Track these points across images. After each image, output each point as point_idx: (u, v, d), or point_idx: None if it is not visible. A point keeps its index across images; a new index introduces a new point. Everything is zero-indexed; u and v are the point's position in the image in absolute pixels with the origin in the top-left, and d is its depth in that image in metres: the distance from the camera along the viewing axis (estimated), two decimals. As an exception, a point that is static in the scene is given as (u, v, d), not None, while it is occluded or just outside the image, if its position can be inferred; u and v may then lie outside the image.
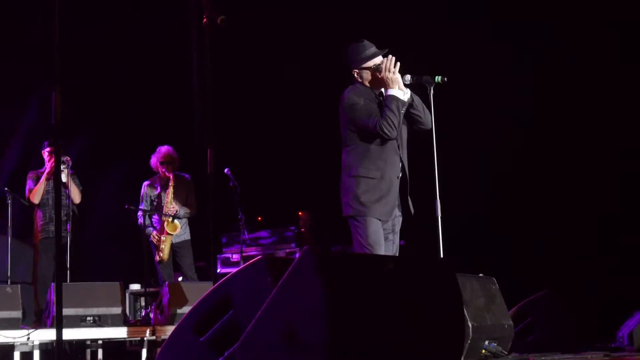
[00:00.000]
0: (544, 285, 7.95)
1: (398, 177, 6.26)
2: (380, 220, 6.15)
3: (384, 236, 6.18)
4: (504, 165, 10.94)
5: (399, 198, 6.27)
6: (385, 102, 6.13)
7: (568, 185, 10.63)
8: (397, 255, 6.32)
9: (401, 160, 6.29)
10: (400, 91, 6.18)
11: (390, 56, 6.21)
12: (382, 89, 6.25)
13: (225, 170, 10.47)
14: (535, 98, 10.79)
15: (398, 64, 6.18)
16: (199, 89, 11.62)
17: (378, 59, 6.27)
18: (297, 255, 3.87)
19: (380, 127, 6.05)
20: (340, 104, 6.30)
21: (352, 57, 6.34)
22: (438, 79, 6.32)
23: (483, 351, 5.92)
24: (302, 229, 12.17)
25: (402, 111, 6.16)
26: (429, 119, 6.34)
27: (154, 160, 10.00)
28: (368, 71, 6.28)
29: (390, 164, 6.23)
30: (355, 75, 6.32)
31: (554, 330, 7.55)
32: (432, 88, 6.32)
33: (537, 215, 10.77)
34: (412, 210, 6.35)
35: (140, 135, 11.44)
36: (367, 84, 6.30)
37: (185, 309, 8.04)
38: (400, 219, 6.35)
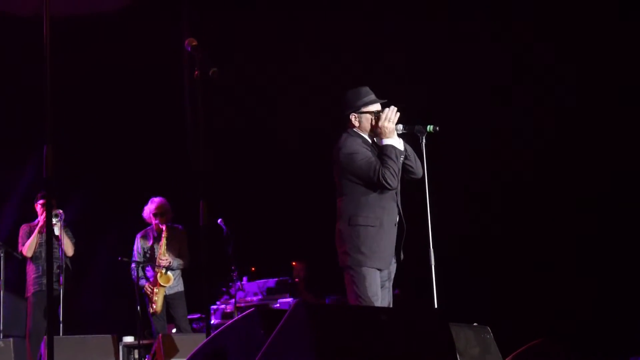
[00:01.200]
0: (540, 334, 7.91)
1: (395, 225, 6.25)
2: (378, 269, 6.13)
3: (380, 284, 6.15)
4: (501, 211, 10.95)
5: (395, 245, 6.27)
6: (385, 152, 6.13)
7: (567, 233, 10.61)
8: (392, 302, 6.29)
9: (398, 207, 6.29)
10: (396, 140, 6.20)
11: (392, 107, 6.23)
12: (375, 138, 6.26)
13: (218, 220, 10.45)
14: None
15: (398, 114, 6.20)
16: (192, 141, 11.66)
17: (377, 106, 6.29)
18: (291, 306, 3.85)
19: (383, 177, 6.05)
20: (336, 151, 6.29)
21: (351, 101, 6.34)
22: (430, 128, 6.34)
23: (479, 401, 5.89)
24: (296, 279, 12.12)
25: (401, 160, 6.19)
26: (419, 168, 6.35)
27: (146, 212, 9.99)
28: (367, 116, 6.29)
29: (388, 212, 6.22)
30: (353, 119, 6.31)
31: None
32: (424, 137, 6.34)
33: (533, 261, 10.74)
34: (402, 257, 6.32)
35: (133, 187, 11.43)
36: (362, 131, 6.31)
37: (179, 362, 7.99)
38: (396, 266, 6.33)
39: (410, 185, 6.43)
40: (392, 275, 6.31)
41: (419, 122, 6.39)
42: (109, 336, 8.52)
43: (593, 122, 10.39)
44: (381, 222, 6.16)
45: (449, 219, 9.19)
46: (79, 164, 11.23)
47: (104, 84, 11.55)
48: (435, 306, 6.10)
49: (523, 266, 10.72)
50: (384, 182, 6.06)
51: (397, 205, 6.28)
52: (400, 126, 6.27)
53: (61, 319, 9.29)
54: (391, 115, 6.18)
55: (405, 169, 6.33)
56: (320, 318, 3.59)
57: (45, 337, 8.38)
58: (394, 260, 6.28)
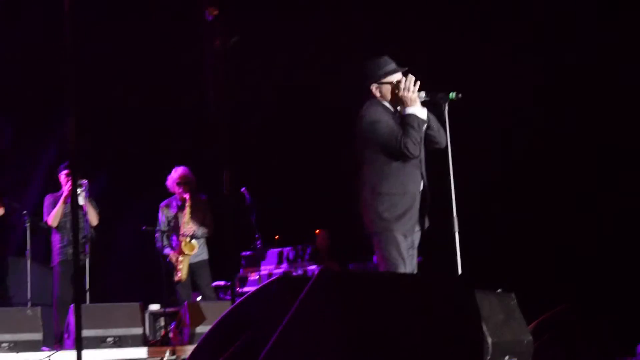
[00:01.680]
0: (563, 300, 7.91)
1: (419, 193, 6.26)
2: (403, 236, 6.15)
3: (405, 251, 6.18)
4: (524, 178, 10.92)
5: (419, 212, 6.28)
6: (407, 121, 6.12)
7: (594, 198, 10.57)
8: (416, 271, 6.32)
9: (422, 175, 6.29)
10: (419, 109, 6.19)
11: (410, 75, 6.21)
12: (399, 107, 6.25)
13: (242, 189, 10.48)
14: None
15: (418, 83, 6.18)
16: (215, 109, 11.65)
17: (398, 76, 6.27)
18: (314, 274, 3.87)
19: (405, 146, 6.05)
20: (358, 120, 6.29)
21: (371, 71, 6.32)
22: (452, 95, 6.31)
23: (503, 367, 5.90)
24: (320, 247, 12.15)
25: (423, 129, 6.18)
26: (443, 138, 6.34)
27: (170, 181, 10.03)
28: (388, 86, 6.27)
29: (412, 180, 6.23)
30: (374, 90, 6.31)
31: (574, 345, 7.51)
32: (446, 105, 6.32)
33: (557, 229, 10.72)
34: (427, 225, 6.34)
35: (157, 157, 11.47)
36: (385, 100, 6.30)
37: (204, 329, 8.05)
38: (420, 234, 6.34)
39: (434, 153, 6.42)
40: (416, 243, 6.33)
41: (442, 89, 6.37)
42: (135, 304, 8.60)
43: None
44: (405, 190, 6.17)
45: (473, 187, 9.18)
46: (104, 135, 11.28)
47: (127, 55, 11.56)
48: (459, 273, 6.11)
49: (548, 232, 10.70)
50: (405, 150, 6.06)
51: (422, 174, 6.29)
52: (423, 94, 6.25)
53: (87, 288, 9.37)
54: (410, 84, 6.17)
55: (429, 139, 6.32)
56: (344, 285, 3.61)
57: (72, 305, 8.49)
58: (418, 228, 6.29)
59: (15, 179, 11.34)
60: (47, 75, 10.25)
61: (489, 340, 5.67)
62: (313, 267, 11.63)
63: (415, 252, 6.31)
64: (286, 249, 11.97)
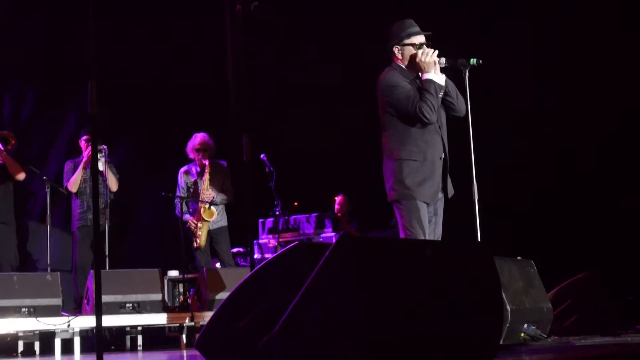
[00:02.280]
0: (583, 267, 7.89)
1: (441, 158, 6.25)
2: (425, 202, 6.13)
3: (428, 219, 6.17)
4: (542, 147, 10.87)
5: (441, 179, 6.26)
6: (424, 86, 6.11)
7: (609, 166, 10.51)
8: (440, 238, 6.30)
9: (442, 141, 6.27)
10: (437, 75, 6.17)
11: (429, 43, 6.20)
12: (419, 73, 6.23)
13: (262, 155, 10.47)
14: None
15: (436, 51, 6.17)
16: (234, 76, 11.64)
17: (421, 38, 6.25)
18: (334, 240, 3.86)
19: (420, 111, 6.03)
20: (377, 85, 6.28)
21: (395, 33, 6.30)
22: (473, 61, 6.27)
23: (522, 334, 5.90)
24: (339, 214, 12.16)
25: (440, 95, 6.16)
26: (462, 106, 6.31)
27: (189, 147, 10.03)
28: (409, 49, 6.25)
29: (432, 145, 6.21)
30: (396, 52, 6.29)
31: (594, 313, 7.50)
32: (467, 71, 6.28)
33: (576, 196, 10.67)
34: (451, 192, 6.33)
35: (176, 123, 11.47)
36: (405, 65, 6.27)
37: (223, 295, 8.08)
38: (443, 201, 6.33)
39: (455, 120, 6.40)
40: (440, 211, 6.31)
41: (463, 55, 6.33)
42: (154, 270, 8.63)
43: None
44: (424, 156, 6.14)
45: (493, 153, 9.15)
46: (124, 102, 11.28)
47: (147, 23, 11.54)
48: (479, 240, 6.10)
49: (568, 199, 10.66)
50: (421, 115, 6.04)
51: (442, 140, 6.26)
52: (443, 60, 6.23)
53: (107, 254, 9.41)
54: (428, 50, 6.16)
55: (447, 106, 6.30)
56: (365, 250, 3.60)
57: (92, 270, 8.54)
58: (441, 195, 6.28)
59: (37, 148, 11.36)
60: (69, 46, 10.29)
61: (508, 307, 5.67)
62: (332, 233, 11.63)
63: (439, 219, 6.29)
64: (305, 216, 11.97)
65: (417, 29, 6.27)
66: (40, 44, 11.11)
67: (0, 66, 11.13)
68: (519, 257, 6.55)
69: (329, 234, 11.66)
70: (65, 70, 10.89)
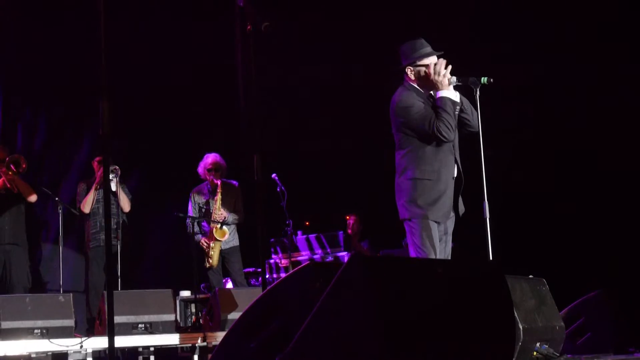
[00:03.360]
0: (596, 286, 7.87)
1: (453, 178, 6.26)
2: (436, 222, 6.14)
3: (438, 237, 6.17)
4: (553, 166, 10.85)
5: (453, 198, 6.27)
6: (439, 104, 6.12)
7: (622, 182, 10.48)
8: (450, 257, 6.30)
9: (456, 161, 6.28)
10: (451, 92, 6.18)
11: (440, 60, 6.21)
12: (432, 92, 6.25)
13: (273, 175, 10.50)
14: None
15: (449, 67, 6.18)
16: (245, 96, 11.66)
17: (433, 59, 6.27)
18: (346, 259, 3.86)
19: (438, 130, 6.05)
20: (391, 105, 6.29)
21: (406, 53, 6.32)
22: (484, 80, 6.27)
23: (534, 353, 5.88)
24: (351, 233, 12.16)
25: (457, 112, 6.17)
26: (476, 121, 6.32)
27: (201, 168, 10.07)
28: (421, 69, 6.26)
29: (446, 165, 6.22)
30: (409, 72, 6.30)
31: (607, 332, 7.47)
32: (477, 89, 6.28)
33: (588, 214, 10.64)
34: (462, 211, 6.33)
35: (187, 144, 11.50)
36: (417, 84, 6.29)
37: (236, 315, 8.08)
38: (454, 220, 6.33)
39: (467, 139, 6.40)
40: (450, 230, 6.32)
41: (474, 74, 6.34)
42: (168, 290, 8.63)
43: None
44: (439, 175, 6.15)
45: (504, 172, 9.14)
46: (136, 123, 11.30)
47: (157, 42, 11.59)
48: (491, 259, 6.09)
49: (579, 218, 10.63)
50: (438, 134, 6.06)
51: (455, 159, 6.27)
52: (454, 78, 6.24)
53: (119, 274, 9.43)
54: (440, 68, 6.16)
55: (462, 122, 6.31)
56: (376, 270, 3.60)
57: (104, 291, 8.54)
58: (452, 214, 6.28)
59: (50, 176, 11.37)
60: (80, 73, 10.33)
61: (521, 326, 5.65)
62: (344, 253, 11.63)
63: (449, 237, 6.30)
64: (317, 235, 11.97)
65: (429, 49, 6.28)
66: (52, 70, 11.15)
67: (12, 94, 11.21)
68: (530, 276, 6.53)
69: (340, 254, 11.65)
70: (77, 97, 10.93)
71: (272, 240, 12.04)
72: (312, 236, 11.99)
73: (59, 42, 11.10)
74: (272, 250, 12.08)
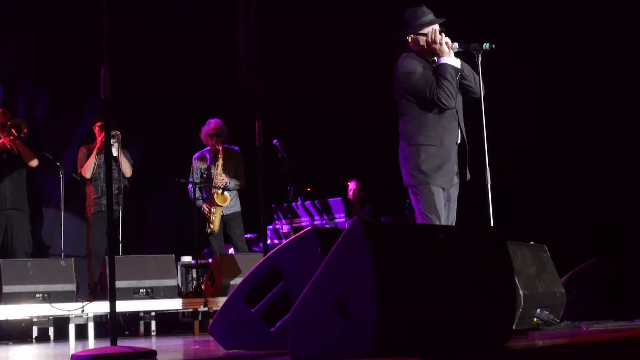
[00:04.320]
0: (598, 253, 7.87)
1: (457, 144, 6.27)
2: (441, 188, 6.15)
3: (443, 204, 6.19)
4: (556, 132, 10.81)
5: (457, 164, 6.27)
6: (439, 71, 6.13)
7: (624, 149, 10.44)
8: (454, 222, 6.32)
9: (459, 126, 6.28)
10: (452, 59, 6.18)
11: (434, 27, 6.21)
12: (435, 58, 6.24)
13: (274, 141, 10.48)
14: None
15: (443, 34, 6.18)
16: (247, 60, 11.63)
17: (434, 26, 6.26)
18: (347, 226, 3.87)
19: (437, 97, 6.06)
20: (394, 72, 6.30)
21: (409, 21, 6.32)
22: (486, 46, 6.27)
23: (535, 319, 5.89)
24: (352, 199, 12.16)
25: (457, 79, 6.17)
26: (479, 87, 6.31)
27: (203, 133, 10.06)
28: (423, 37, 6.26)
29: (449, 131, 6.23)
30: (410, 40, 6.32)
31: (607, 298, 7.48)
32: (479, 55, 6.27)
33: (590, 181, 10.62)
34: (468, 177, 6.34)
35: (189, 109, 11.47)
36: (419, 51, 6.29)
37: (237, 280, 8.10)
38: (458, 186, 6.35)
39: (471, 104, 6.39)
40: (454, 196, 6.33)
41: (475, 40, 6.33)
42: (170, 256, 8.67)
43: None
44: (441, 141, 6.17)
45: (506, 138, 9.11)
46: (138, 88, 11.25)
47: (161, 6, 11.54)
48: (492, 225, 6.10)
49: (581, 184, 10.61)
50: (438, 101, 6.08)
51: (459, 125, 6.28)
52: (456, 44, 6.24)
53: (120, 239, 9.44)
54: (434, 36, 6.18)
55: (465, 89, 6.32)
56: (378, 236, 3.60)
57: (106, 256, 8.57)
58: (456, 180, 6.29)
59: (52, 147, 11.33)
60: (83, 46, 10.29)
61: (521, 292, 5.66)
62: (344, 219, 11.64)
63: (453, 205, 6.32)
64: (318, 201, 11.98)
65: (430, 16, 6.28)
66: (54, 42, 11.11)
67: (13, 67, 11.17)
68: (532, 242, 6.54)
69: (341, 220, 11.66)
70: (80, 69, 10.87)
71: (273, 206, 12.04)
72: (312, 202, 11.99)
73: (61, 12, 11.05)
74: (275, 216, 12.08)
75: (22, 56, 11.22)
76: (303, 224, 11.79)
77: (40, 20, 11.15)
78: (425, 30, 6.25)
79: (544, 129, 10.77)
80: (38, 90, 11.52)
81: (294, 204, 11.57)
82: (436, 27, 6.24)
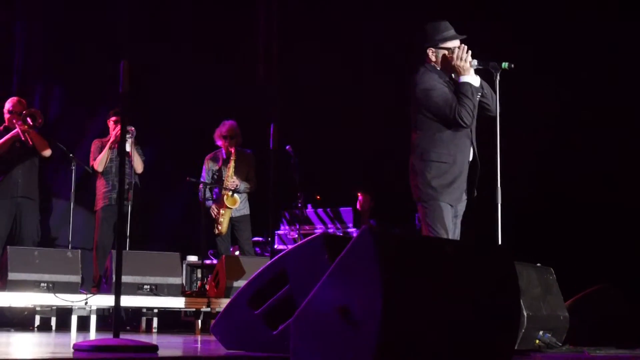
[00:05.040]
0: (602, 278, 7.86)
1: (468, 162, 6.26)
2: (449, 205, 6.15)
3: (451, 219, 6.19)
4: (568, 154, 10.79)
5: (467, 182, 6.27)
6: (461, 90, 6.11)
7: (633, 175, 10.41)
8: (459, 238, 6.31)
9: (472, 145, 6.28)
10: (473, 77, 6.18)
11: (462, 45, 6.20)
12: (453, 75, 6.24)
13: (287, 147, 10.49)
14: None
15: (470, 52, 6.16)
16: (264, 67, 11.64)
17: (456, 42, 6.25)
18: (355, 234, 3.87)
19: (459, 115, 6.05)
20: (412, 86, 6.26)
21: (430, 35, 6.29)
22: (505, 65, 6.25)
23: (537, 341, 5.89)
24: (361, 210, 12.16)
25: (477, 98, 6.16)
26: (495, 106, 6.30)
27: (217, 134, 10.08)
28: (444, 52, 6.25)
29: (462, 149, 6.22)
30: (430, 54, 6.29)
31: (610, 324, 7.47)
32: (498, 74, 6.27)
33: (602, 207, 10.59)
34: (475, 194, 6.33)
35: (205, 110, 11.47)
36: (439, 66, 6.28)
37: (241, 283, 8.11)
38: (465, 203, 6.34)
39: (484, 123, 6.39)
40: (461, 213, 6.32)
41: (494, 58, 6.32)
42: (176, 254, 8.69)
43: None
44: (454, 159, 6.16)
45: (519, 158, 9.11)
46: (153, 88, 11.26)
47: (175, 10, 11.57)
48: (499, 244, 6.09)
49: (593, 210, 10.59)
50: (459, 119, 6.06)
51: (472, 143, 6.27)
52: (475, 62, 6.22)
53: (128, 234, 9.46)
54: (462, 54, 6.16)
55: (482, 106, 6.30)
56: (387, 245, 3.61)
57: (112, 250, 8.59)
58: (465, 197, 6.29)
59: (66, 142, 11.37)
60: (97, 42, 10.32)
61: (525, 313, 5.66)
62: (353, 229, 11.64)
63: (459, 221, 6.31)
64: (327, 210, 11.97)
65: (452, 32, 6.26)
66: (72, 35, 11.15)
67: (30, 60, 11.21)
68: (538, 264, 6.54)
69: (350, 229, 11.66)
70: (95, 66, 10.90)
71: (282, 211, 12.04)
72: (321, 210, 11.99)
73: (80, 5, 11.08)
74: (285, 221, 12.08)
75: (38, 50, 11.24)
76: (310, 231, 11.78)
77: (58, 12, 11.16)
78: (446, 45, 6.25)
79: (559, 152, 10.76)
80: (53, 84, 11.54)
81: (306, 211, 11.58)
82: (463, 45, 6.23)
